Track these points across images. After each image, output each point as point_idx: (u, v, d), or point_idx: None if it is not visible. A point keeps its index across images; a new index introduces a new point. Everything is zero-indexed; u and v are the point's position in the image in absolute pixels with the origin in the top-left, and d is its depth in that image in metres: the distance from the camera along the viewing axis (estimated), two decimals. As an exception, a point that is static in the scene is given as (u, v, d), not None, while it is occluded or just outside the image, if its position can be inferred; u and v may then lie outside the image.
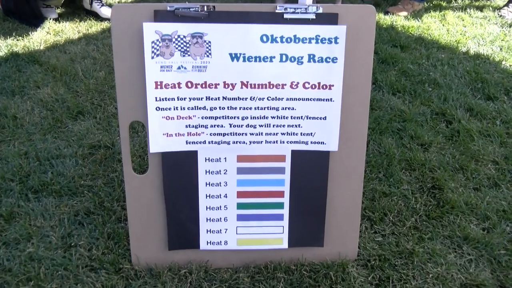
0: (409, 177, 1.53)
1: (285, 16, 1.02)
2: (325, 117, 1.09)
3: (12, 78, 2.03)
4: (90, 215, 1.31)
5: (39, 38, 2.46)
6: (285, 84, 1.05)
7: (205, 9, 1.01)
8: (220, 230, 1.16)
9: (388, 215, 1.35)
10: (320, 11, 1.03)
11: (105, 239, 1.22)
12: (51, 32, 2.56)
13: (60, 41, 2.46)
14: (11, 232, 1.24)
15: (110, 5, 2.87)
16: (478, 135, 1.76)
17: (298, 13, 1.03)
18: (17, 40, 2.41)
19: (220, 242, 1.16)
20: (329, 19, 1.03)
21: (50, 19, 2.69)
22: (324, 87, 1.06)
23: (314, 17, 1.03)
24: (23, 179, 1.44)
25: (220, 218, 1.15)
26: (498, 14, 3.04)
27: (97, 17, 2.77)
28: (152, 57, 1.01)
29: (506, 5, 3.11)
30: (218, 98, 1.05)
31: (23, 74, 2.07)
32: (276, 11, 1.02)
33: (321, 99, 1.07)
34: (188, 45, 1.01)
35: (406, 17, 2.96)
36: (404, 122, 1.82)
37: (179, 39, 1.01)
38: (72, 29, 2.62)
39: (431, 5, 3.31)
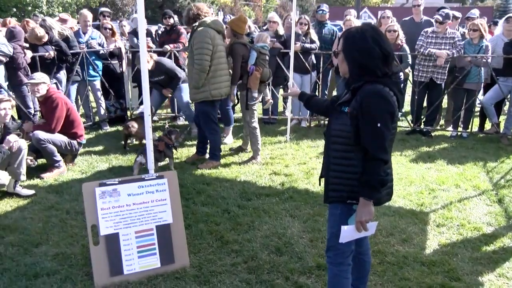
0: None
1: (146, 178, 3.04)
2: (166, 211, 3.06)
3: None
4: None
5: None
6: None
7: (118, 180, 2.96)
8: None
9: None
10: (156, 174, 3.07)
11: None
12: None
13: None
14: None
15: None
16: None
17: (151, 177, 3.05)
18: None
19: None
20: (160, 176, 3.07)
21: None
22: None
23: (155, 177, 3.06)
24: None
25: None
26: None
27: (19, 196, 4.33)
28: (100, 198, 2.88)
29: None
30: (129, 211, 2.94)
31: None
32: (142, 176, 3.03)
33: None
34: (112, 193, 2.92)
35: (211, 167, 5.20)
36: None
37: (109, 192, 2.91)
38: None
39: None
